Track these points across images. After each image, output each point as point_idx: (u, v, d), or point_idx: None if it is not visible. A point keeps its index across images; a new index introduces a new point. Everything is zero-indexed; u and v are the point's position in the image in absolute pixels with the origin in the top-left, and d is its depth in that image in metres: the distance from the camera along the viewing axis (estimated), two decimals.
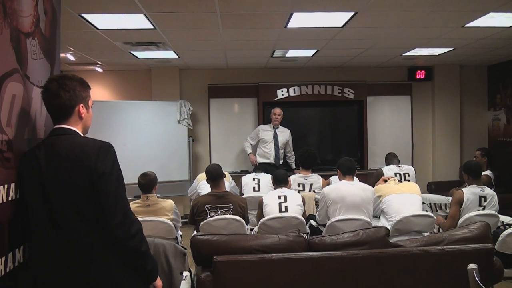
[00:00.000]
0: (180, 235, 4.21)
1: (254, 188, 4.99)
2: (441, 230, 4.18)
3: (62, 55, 5.57)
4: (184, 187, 6.89)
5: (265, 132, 6.67)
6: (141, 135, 6.69)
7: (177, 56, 6.32)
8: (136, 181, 3.89)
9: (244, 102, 7.62)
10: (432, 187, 7.26)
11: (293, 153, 6.69)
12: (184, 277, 3.14)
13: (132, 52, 5.93)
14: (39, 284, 1.81)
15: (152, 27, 4.58)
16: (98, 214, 1.74)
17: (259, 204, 4.09)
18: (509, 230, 3.53)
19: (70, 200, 1.74)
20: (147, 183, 3.80)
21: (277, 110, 6.58)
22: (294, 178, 4.99)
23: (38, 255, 1.81)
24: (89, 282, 1.76)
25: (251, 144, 6.80)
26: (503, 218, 4.10)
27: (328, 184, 4.94)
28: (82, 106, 1.90)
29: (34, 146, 1.87)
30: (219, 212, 3.87)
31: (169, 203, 3.89)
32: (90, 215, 1.75)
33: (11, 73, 1.83)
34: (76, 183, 1.74)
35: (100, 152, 1.76)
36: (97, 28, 4.63)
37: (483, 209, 3.96)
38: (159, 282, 1.95)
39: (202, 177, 4.80)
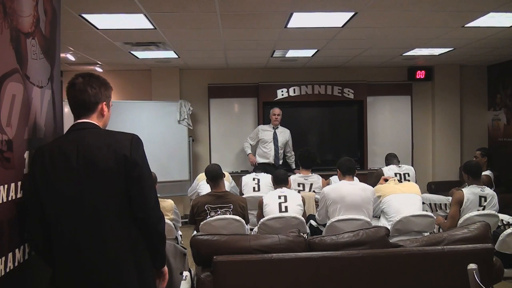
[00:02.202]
0: (180, 235, 4.21)
1: (254, 188, 4.99)
2: (441, 230, 4.18)
3: (62, 55, 5.57)
4: (184, 187, 6.88)
5: (265, 132, 6.67)
6: (141, 135, 6.55)
7: (177, 56, 6.32)
8: None
9: (244, 102, 7.62)
10: (432, 187, 7.26)
11: (293, 153, 6.69)
12: (184, 277, 3.14)
13: (132, 52, 5.93)
14: (60, 280, 1.83)
15: (152, 27, 4.58)
16: (135, 198, 1.83)
17: (259, 204, 4.09)
18: (509, 230, 3.53)
19: (106, 187, 1.80)
20: None
21: (276, 110, 6.57)
22: (294, 178, 4.99)
23: (60, 249, 1.82)
24: (113, 274, 1.82)
25: (250, 144, 6.80)
26: (503, 216, 4.10)
27: (328, 184, 4.94)
28: (105, 104, 1.97)
29: (53, 141, 1.90)
30: (219, 212, 3.87)
31: (169, 203, 3.89)
32: (121, 202, 1.82)
33: (11, 73, 1.83)
34: (113, 170, 1.80)
35: (133, 142, 1.86)
36: (97, 28, 4.62)
37: (483, 209, 3.96)
38: (166, 268, 2.07)
39: (202, 177, 4.80)
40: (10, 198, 1.82)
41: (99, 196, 1.80)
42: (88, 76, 1.92)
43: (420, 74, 7.73)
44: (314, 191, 4.87)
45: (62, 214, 1.81)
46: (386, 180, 4.54)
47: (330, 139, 7.74)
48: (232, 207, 3.89)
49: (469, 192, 4.02)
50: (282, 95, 7.35)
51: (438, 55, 6.62)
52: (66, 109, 6.71)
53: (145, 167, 1.88)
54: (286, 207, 3.92)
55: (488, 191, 4.06)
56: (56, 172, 1.80)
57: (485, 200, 3.98)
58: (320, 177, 5.07)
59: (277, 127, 6.62)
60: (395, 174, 5.11)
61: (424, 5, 4.07)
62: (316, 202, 4.58)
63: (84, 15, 4.17)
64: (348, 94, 7.41)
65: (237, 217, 3.82)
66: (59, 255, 1.83)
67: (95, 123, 1.92)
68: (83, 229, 1.80)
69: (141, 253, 1.89)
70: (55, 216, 1.82)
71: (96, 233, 1.80)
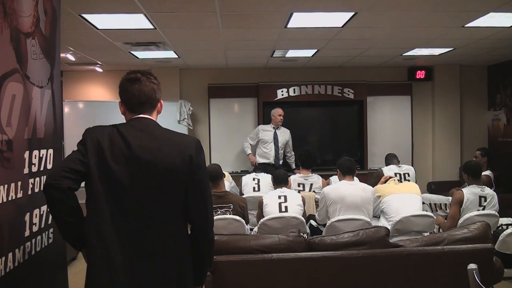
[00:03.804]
0: None
1: (254, 188, 4.99)
2: (441, 230, 4.18)
3: (62, 55, 5.57)
4: None
5: (265, 132, 6.66)
6: None
7: (177, 56, 6.32)
8: None
9: (244, 102, 7.62)
10: (432, 187, 7.25)
11: (293, 153, 6.68)
12: None
13: (132, 52, 5.93)
14: (99, 263, 1.70)
15: (152, 27, 4.58)
16: (195, 202, 1.79)
17: (259, 204, 4.09)
18: (509, 230, 3.53)
19: (165, 184, 1.74)
20: None
21: (280, 111, 6.55)
22: (294, 178, 4.99)
23: (100, 236, 1.69)
24: (156, 268, 1.73)
25: (250, 144, 6.79)
26: (502, 220, 4.09)
27: (328, 184, 4.94)
28: (162, 101, 1.95)
29: (114, 126, 1.81)
30: (219, 212, 3.86)
31: None
32: (176, 203, 1.77)
33: (11, 73, 1.83)
34: (178, 168, 1.75)
35: (197, 145, 1.83)
36: (97, 28, 4.62)
37: (483, 209, 3.96)
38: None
39: None
40: (10, 198, 1.82)
41: (157, 190, 1.73)
42: (147, 73, 1.88)
43: (420, 74, 7.72)
44: (314, 191, 4.87)
45: (109, 192, 1.70)
46: (387, 179, 4.52)
47: (330, 139, 7.74)
48: (232, 207, 3.89)
49: (469, 192, 4.02)
50: (282, 95, 7.35)
51: (438, 55, 6.61)
52: (66, 109, 6.74)
53: (206, 172, 1.87)
54: (286, 207, 3.92)
55: (488, 191, 4.06)
56: (113, 155, 1.71)
57: (485, 200, 3.98)
58: (320, 177, 5.07)
59: (278, 127, 6.62)
60: (395, 174, 5.11)
61: (424, 5, 4.07)
62: (316, 202, 4.58)
63: (84, 15, 4.17)
64: (348, 94, 7.41)
65: (237, 217, 3.82)
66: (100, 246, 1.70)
67: (156, 121, 1.88)
68: (132, 218, 1.70)
69: (185, 260, 1.80)
70: (102, 190, 1.70)
71: (144, 226, 1.71)
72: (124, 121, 1.89)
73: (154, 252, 1.72)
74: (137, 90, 1.83)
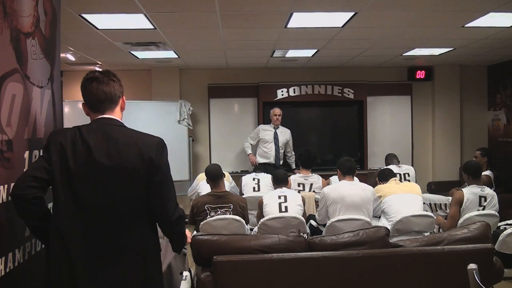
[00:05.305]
0: None
1: (254, 188, 4.99)
2: (441, 230, 4.18)
3: (62, 55, 5.57)
4: (184, 187, 6.88)
5: (266, 132, 6.67)
6: None
7: (177, 56, 6.31)
8: None
9: (244, 102, 7.61)
10: (432, 187, 7.25)
11: (293, 153, 6.69)
12: (184, 277, 3.14)
13: (132, 52, 5.93)
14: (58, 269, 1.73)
15: (152, 27, 4.58)
16: (154, 203, 1.83)
17: (259, 204, 4.09)
18: (509, 230, 3.53)
19: (127, 186, 1.77)
20: None
21: (277, 110, 6.57)
22: (294, 178, 4.99)
23: (64, 237, 1.72)
24: (121, 271, 1.76)
25: (251, 144, 6.80)
26: (501, 223, 4.09)
27: (328, 184, 4.94)
28: (124, 98, 1.96)
29: (76, 128, 1.82)
30: (219, 212, 3.87)
31: None
32: (139, 203, 1.81)
33: (11, 73, 1.83)
34: (138, 171, 1.78)
35: (159, 146, 1.85)
36: (97, 28, 4.62)
37: (483, 209, 3.96)
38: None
39: (202, 177, 4.80)
40: (10, 198, 1.82)
41: (118, 193, 1.76)
42: (105, 71, 1.90)
43: (420, 74, 7.72)
44: (314, 191, 4.87)
45: (71, 196, 1.74)
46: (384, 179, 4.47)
47: (330, 139, 7.74)
48: (232, 207, 3.89)
49: (469, 192, 4.02)
50: (282, 95, 7.35)
51: (438, 55, 6.61)
52: (66, 109, 6.73)
53: (167, 172, 1.88)
54: (286, 207, 3.92)
55: (488, 191, 4.06)
56: (75, 159, 1.74)
57: (485, 200, 3.98)
58: (320, 177, 5.07)
59: (278, 127, 6.62)
60: (395, 174, 5.11)
61: (424, 5, 4.07)
62: (316, 202, 4.58)
63: (84, 15, 4.16)
64: (348, 94, 7.41)
65: (237, 217, 3.82)
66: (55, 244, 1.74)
67: (120, 120, 1.90)
68: (93, 222, 1.74)
69: (150, 258, 1.85)
70: (63, 195, 1.74)
71: (106, 229, 1.75)
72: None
73: (117, 253, 1.75)
74: (95, 88, 1.85)
